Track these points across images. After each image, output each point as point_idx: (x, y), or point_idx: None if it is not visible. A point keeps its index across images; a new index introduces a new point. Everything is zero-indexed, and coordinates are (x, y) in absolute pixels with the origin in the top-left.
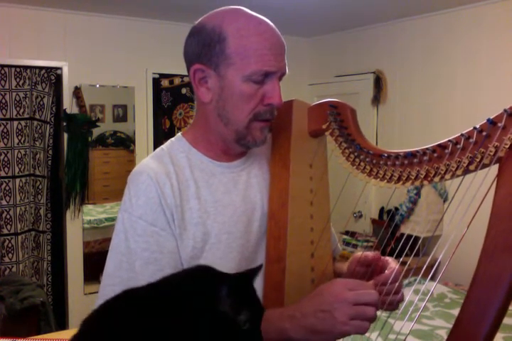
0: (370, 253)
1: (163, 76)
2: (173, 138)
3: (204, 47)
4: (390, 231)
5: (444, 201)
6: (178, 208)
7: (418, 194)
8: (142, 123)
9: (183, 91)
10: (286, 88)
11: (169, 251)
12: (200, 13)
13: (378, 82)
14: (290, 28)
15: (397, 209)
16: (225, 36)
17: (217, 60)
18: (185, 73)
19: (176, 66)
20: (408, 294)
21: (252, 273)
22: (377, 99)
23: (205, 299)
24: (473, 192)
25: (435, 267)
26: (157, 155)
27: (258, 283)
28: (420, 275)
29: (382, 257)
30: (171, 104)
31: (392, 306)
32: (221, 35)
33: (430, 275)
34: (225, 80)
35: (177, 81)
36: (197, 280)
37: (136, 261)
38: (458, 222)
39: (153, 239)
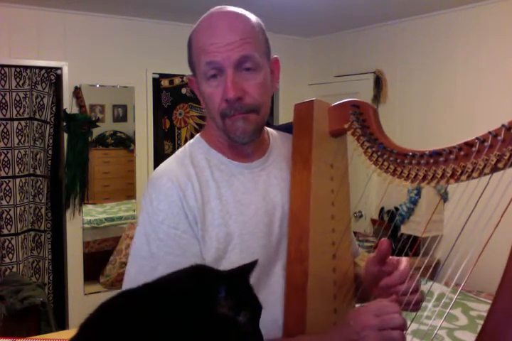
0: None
1: (163, 76)
2: (191, 140)
3: (188, 58)
4: (390, 231)
5: (445, 201)
6: (200, 210)
7: (418, 194)
8: (142, 123)
9: (183, 91)
10: (287, 88)
11: (192, 255)
12: (201, 14)
13: (378, 82)
14: (290, 28)
15: (397, 209)
16: (190, 45)
17: (193, 68)
18: (185, 73)
19: (176, 66)
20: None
21: (247, 268)
22: (377, 99)
23: (204, 301)
24: (471, 192)
25: (432, 267)
26: (177, 157)
27: (278, 284)
28: (419, 275)
29: (396, 257)
30: (171, 104)
31: (410, 306)
32: (189, 45)
33: (430, 276)
34: (199, 86)
35: (177, 81)
36: (195, 282)
37: (160, 265)
38: (456, 221)
39: (176, 243)
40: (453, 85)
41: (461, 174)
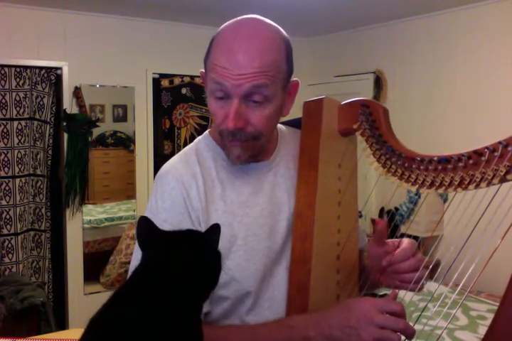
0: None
1: (163, 76)
2: (200, 136)
3: (205, 54)
4: (389, 231)
5: (444, 201)
6: (204, 211)
7: (418, 194)
8: (142, 123)
9: (183, 91)
10: None
11: None
12: (200, 13)
13: (378, 82)
14: (290, 28)
15: (397, 209)
16: (210, 48)
17: (205, 68)
18: (185, 73)
19: (176, 66)
20: (408, 294)
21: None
22: (377, 99)
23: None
24: (473, 192)
25: (436, 267)
26: (185, 154)
27: (282, 284)
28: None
29: (398, 239)
30: (171, 104)
31: (413, 284)
32: (209, 46)
33: (430, 276)
34: (207, 95)
35: (177, 81)
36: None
37: None
38: (458, 222)
39: None
40: (453, 85)
41: (469, 183)
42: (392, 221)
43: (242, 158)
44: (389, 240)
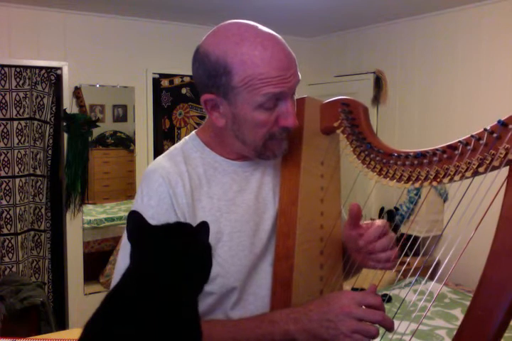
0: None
1: (163, 76)
2: (186, 137)
3: (210, 78)
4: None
5: (444, 201)
6: (190, 208)
7: (418, 194)
8: (142, 123)
9: (183, 91)
10: None
11: None
12: (200, 13)
13: (378, 82)
14: (290, 28)
15: (397, 209)
16: (229, 69)
17: (225, 89)
18: (185, 73)
19: (176, 66)
20: (408, 294)
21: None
22: (377, 99)
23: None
24: (473, 192)
25: (436, 267)
26: (171, 154)
27: (266, 280)
28: (418, 275)
29: (371, 221)
30: (171, 104)
31: (386, 263)
32: (226, 68)
33: (429, 275)
34: (236, 108)
35: (177, 81)
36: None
37: None
38: (457, 222)
39: None
40: (452, 85)
41: (443, 177)
42: (392, 221)
43: (285, 149)
44: (363, 223)
